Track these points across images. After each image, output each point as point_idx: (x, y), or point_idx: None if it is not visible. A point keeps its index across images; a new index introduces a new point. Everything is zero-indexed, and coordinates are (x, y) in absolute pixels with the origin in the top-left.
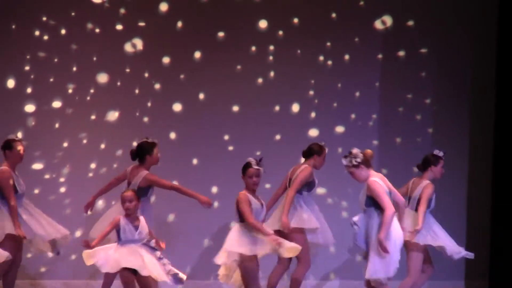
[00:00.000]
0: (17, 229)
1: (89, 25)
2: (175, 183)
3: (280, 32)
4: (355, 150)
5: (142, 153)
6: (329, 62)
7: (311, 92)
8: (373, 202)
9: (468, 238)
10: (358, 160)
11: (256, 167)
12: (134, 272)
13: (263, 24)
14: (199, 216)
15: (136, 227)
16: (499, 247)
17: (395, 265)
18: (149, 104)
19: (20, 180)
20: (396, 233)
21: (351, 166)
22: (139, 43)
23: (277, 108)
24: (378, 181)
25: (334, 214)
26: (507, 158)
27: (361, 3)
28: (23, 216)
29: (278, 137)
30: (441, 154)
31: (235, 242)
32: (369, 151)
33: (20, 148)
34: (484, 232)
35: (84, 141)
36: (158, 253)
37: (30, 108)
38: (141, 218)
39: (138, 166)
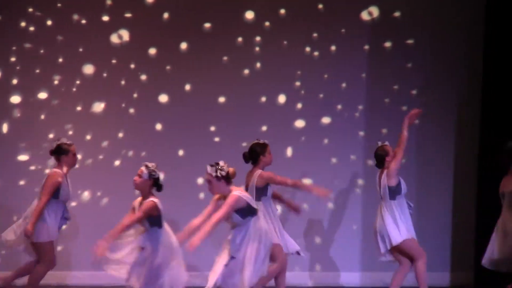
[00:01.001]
0: (30, 225)
1: (75, 16)
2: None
3: (267, 23)
4: (222, 163)
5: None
6: (316, 53)
7: (298, 83)
8: None
9: (453, 230)
10: (223, 173)
11: None
12: None
13: (249, 15)
14: (184, 208)
15: None
16: (484, 239)
17: None
18: (135, 95)
19: (68, 188)
20: None
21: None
22: (125, 34)
23: (263, 99)
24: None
25: (321, 204)
26: (493, 149)
27: None
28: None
29: (264, 128)
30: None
31: None
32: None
33: (74, 151)
34: (469, 225)
35: (70, 132)
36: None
37: (15, 99)
38: None
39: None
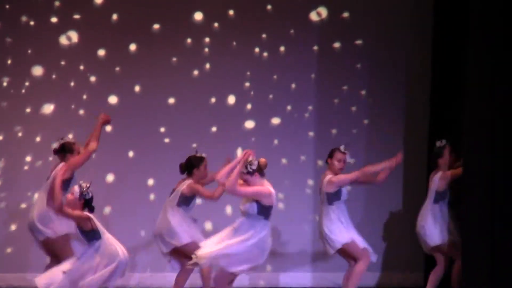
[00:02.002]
0: None
1: (24, 18)
2: None
3: (216, 24)
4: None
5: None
6: (265, 54)
7: (247, 84)
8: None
9: (404, 231)
10: (253, 167)
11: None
12: None
13: (198, 16)
14: (135, 209)
15: None
16: None
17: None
18: (84, 97)
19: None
20: None
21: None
22: (74, 36)
23: (213, 100)
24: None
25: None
26: None
27: None
28: None
29: (214, 129)
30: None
31: None
32: (263, 159)
33: (79, 150)
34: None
35: (20, 134)
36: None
37: None
38: None
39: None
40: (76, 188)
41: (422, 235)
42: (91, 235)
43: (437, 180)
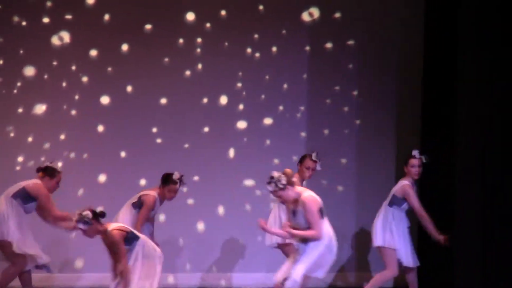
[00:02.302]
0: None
1: (16, 18)
2: None
3: (208, 25)
4: (276, 173)
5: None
6: (257, 54)
7: (239, 84)
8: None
9: None
10: (283, 182)
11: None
12: None
13: (190, 16)
14: None
15: None
16: (426, 239)
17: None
18: (76, 97)
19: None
20: None
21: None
22: (66, 36)
23: (205, 100)
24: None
25: (263, 205)
26: (434, 148)
27: None
28: None
29: (206, 129)
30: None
31: None
32: (288, 170)
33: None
34: (411, 224)
35: (12, 135)
36: None
37: None
38: None
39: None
40: (79, 226)
41: (372, 233)
42: (130, 238)
43: (399, 186)
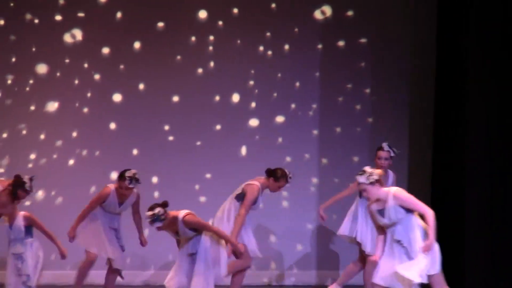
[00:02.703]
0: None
1: (28, 16)
2: None
3: (220, 23)
4: (369, 168)
5: None
6: (269, 52)
7: (251, 82)
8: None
9: None
10: (375, 177)
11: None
12: None
13: (202, 14)
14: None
15: None
16: (438, 238)
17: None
18: (89, 95)
19: None
20: None
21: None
22: (78, 34)
23: (217, 98)
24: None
25: (274, 203)
26: (446, 147)
27: None
28: None
29: (218, 127)
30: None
31: None
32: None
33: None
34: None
35: (24, 132)
36: None
37: None
38: None
39: None
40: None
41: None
42: None
43: None
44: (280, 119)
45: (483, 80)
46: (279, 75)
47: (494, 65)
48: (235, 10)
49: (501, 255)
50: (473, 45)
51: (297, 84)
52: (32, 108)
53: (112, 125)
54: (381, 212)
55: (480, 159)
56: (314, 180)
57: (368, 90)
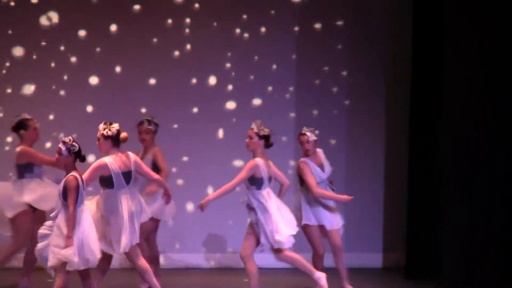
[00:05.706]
0: None
1: None
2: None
3: (196, 5)
4: None
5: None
6: (246, 35)
7: (228, 65)
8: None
9: (385, 212)
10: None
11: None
12: None
13: None
14: None
15: None
16: (415, 221)
17: None
18: (65, 77)
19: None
20: None
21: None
22: (54, 16)
23: (194, 80)
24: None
25: None
26: (422, 130)
27: None
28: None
29: (195, 109)
30: None
31: None
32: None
33: (35, 126)
34: (400, 207)
35: (1, 115)
36: None
37: None
38: None
39: None
40: (61, 147)
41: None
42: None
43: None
44: (257, 101)
45: (460, 62)
46: (256, 57)
47: (471, 45)
48: None
49: (479, 238)
50: (450, 26)
51: (274, 66)
52: (9, 90)
53: (89, 108)
54: None
55: (456, 141)
56: (291, 162)
57: (345, 73)
